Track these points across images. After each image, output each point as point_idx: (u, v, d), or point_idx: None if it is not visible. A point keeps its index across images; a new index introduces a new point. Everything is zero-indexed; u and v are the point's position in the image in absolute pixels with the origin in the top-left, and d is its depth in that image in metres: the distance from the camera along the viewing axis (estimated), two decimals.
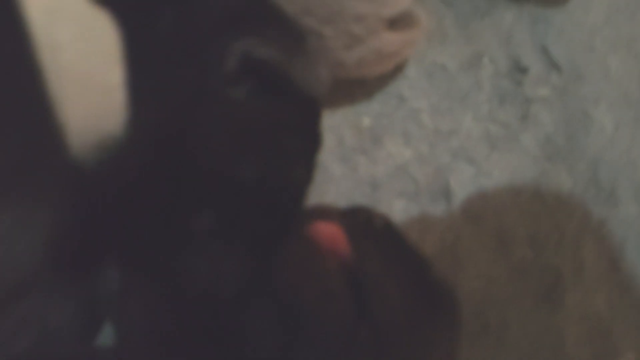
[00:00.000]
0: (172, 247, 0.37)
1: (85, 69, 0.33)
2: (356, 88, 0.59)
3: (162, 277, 0.37)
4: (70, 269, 0.35)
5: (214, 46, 0.35)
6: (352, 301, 0.39)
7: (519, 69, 0.66)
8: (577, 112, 0.69)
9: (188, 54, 0.36)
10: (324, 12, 0.43)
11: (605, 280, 0.69)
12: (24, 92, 0.32)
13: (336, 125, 0.58)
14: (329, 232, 0.41)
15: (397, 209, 0.61)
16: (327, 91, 0.43)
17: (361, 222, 0.43)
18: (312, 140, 0.43)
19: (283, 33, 0.38)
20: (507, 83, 0.66)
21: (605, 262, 0.69)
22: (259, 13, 0.38)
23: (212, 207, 0.37)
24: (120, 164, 0.35)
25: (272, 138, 0.39)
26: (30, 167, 0.32)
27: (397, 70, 0.60)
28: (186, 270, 0.37)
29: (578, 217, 0.71)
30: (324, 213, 0.43)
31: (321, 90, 0.41)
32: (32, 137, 0.32)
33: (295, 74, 0.38)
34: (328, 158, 0.58)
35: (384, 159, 0.61)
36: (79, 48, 0.32)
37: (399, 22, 0.52)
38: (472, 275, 0.67)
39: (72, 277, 0.35)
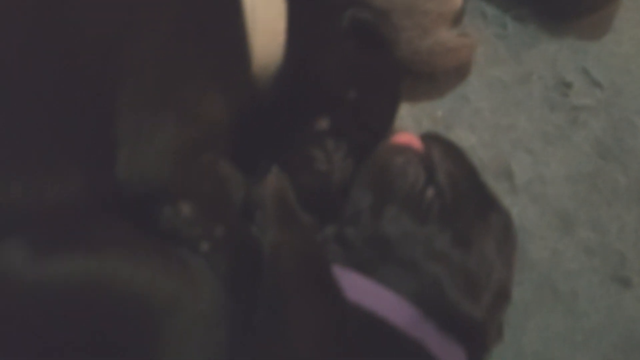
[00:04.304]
0: (302, 141, 0.59)
1: (266, 21, 0.58)
2: (431, 88, 0.79)
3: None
4: (237, 146, 0.57)
5: (335, 13, 0.61)
6: (423, 171, 0.56)
7: (565, 84, 0.82)
8: (622, 120, 0.80)
9: (321, 18, 0.61)
10: (402, 7, 0.65)
11: None
12: (236, 33, 0.57)
13: (416, 114, 0.77)
14: (406, 137, 0.60)
15: None
16: (403, 56, 0.65)
17: (431, 136, 0.61)
18: (392, 87, 0.65)
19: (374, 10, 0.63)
20: (555, 95, 0.82)
21: None
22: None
23: (327, 115, 0.60)
24: (274, 85, 0.59)
25: (366, 76, 0.62)
26: (229, 70, 0.57)
27: (463, 77, 0.78)
28: (309, 158, 0.58)
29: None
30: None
31: (399, 49, 0.64)
32: (234, 54, 0.57)
33: (384, 31, 0.61)
34: None
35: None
36: (265, 9, 0.58)
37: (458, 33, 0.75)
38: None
39: (238, 154, 0.57)
